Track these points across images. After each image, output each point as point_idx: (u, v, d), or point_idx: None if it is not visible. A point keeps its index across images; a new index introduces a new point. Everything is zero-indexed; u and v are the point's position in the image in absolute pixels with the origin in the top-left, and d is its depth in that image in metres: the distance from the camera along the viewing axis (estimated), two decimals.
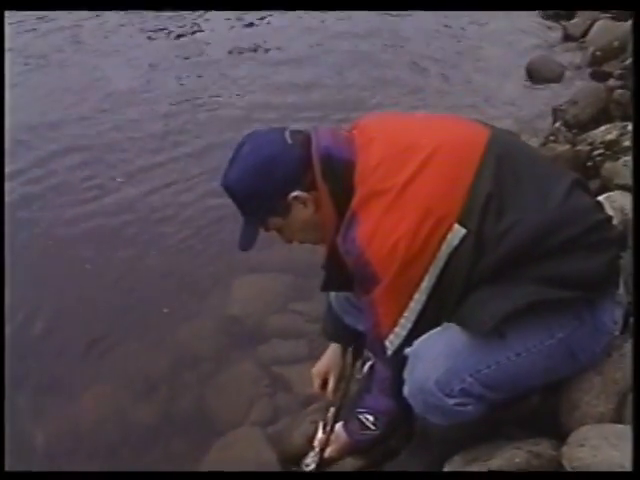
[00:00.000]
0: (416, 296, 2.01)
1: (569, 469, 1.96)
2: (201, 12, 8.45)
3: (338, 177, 2.10)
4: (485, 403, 2.07)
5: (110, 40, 7.99)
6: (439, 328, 2.06)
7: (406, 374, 2.10)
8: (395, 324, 2.07)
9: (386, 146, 2.11)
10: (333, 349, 2.83)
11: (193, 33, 8.09)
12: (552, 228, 1.96)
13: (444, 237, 1.95)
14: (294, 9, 8.01)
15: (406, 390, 2.10)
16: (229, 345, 3.76)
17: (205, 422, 3.36)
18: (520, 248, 1.94)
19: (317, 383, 2.81)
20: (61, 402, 3.49)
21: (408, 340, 2.08)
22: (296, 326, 3.73)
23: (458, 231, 1.94)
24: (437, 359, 2.02)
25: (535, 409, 2.43)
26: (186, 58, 7.39)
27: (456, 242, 1.94)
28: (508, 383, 2.07)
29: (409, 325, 2.06)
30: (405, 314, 2.04)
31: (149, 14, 8.50)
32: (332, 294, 2.67)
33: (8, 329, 3.84)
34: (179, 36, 7.99)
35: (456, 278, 1.98)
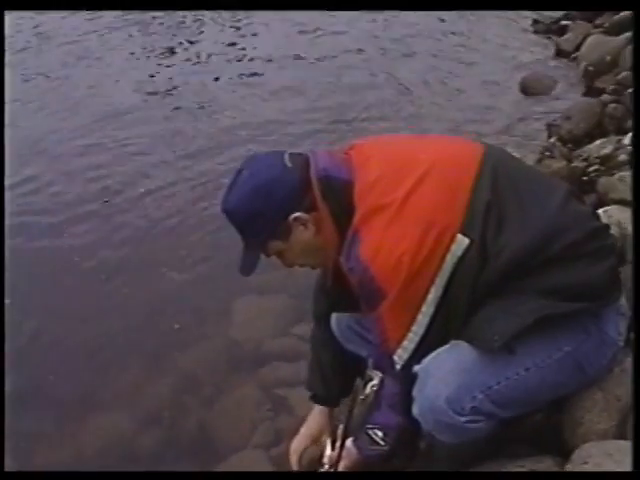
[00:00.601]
0: (423, 309, 2.00)
1: None
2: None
3: (338, 197, 2.11)
4: (495, 420, 2.07)
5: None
6: (448, 345, 2.06)
7: (415, 392, 2.09)
8: (403, 338, 2.06)
9: (383, 163, 2.12)
10: (319, 413, 2.77)
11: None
12: (553, 233, 1.98)
13: (448, 248, 1.95)
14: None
15: (416, 409, 2.09)
16: (230, 368, 3.75)
17: (208, 446, 3.35)
18: (523, 254, 1.95)
19: (295, 460, 2.74)
20: (63, 430, 3.48)
21: (416, 354, 2.07)
22: (297, 348, 3.72)
23: (461, 241, 1.95)
24: (447, 376, 2.02)
25: (538, 426, 2.42)
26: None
27: (460, 252, 1.95)
28: (518, 399, 2.07)
29: (417, 338, 2.05)
30: (413, 327, 2.04)
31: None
32: (333, 325, 2.65)
33: (10, 351, 3.84)
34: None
35: (462, 288, 1.99)
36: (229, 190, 2.20)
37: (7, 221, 4.78)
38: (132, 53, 8.16)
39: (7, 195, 5.14)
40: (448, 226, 1.96)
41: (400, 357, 2.10)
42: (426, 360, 2.07)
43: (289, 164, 2.15)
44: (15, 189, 5.49)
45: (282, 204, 2.13)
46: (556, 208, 2.03)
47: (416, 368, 2.09)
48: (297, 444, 2.74)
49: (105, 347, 3.96)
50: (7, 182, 5.41)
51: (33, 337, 4.01)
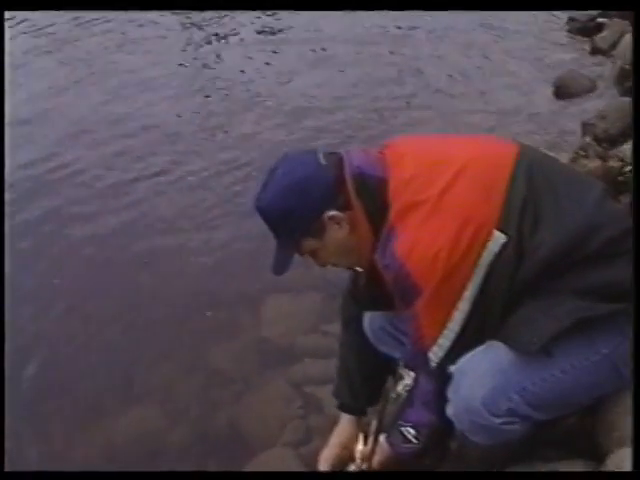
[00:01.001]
0: (459, 305, 1.99)
1: None
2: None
3: (372, 194, 2.10)
4: (530, 422, 2.06)
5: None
6: (484, 346, 2.05)
7: (450, 392, 2.09)
8: (439, 335, 2.05)
9: (418, 160, 2.12)
10: (347, 421, 2.77)
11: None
12: (590, 231, 1.96)
13: (484, 244, 1.94)
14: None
15: (450, 409, 2.09)
16: (260, 365, 3.77)
17: (237, 443, 3.36)
18: (560, 251, 1.94)
19: (333, 453, 2.73)
20: (94, 422, 3.51)
21: (452, 351, 2.06)
22: (328, 346, 3.69)
23: (498, 238, 1.94)
24: (483, 377, 2.01)
25: (571, 429, 2.40)
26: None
27: (497, 249, 1.94)
28: (553, 400, 2.05)
29: (453, 336, 2.04)
30: (449, 324, 2.02)
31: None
32: (366, 326, 2.64)
33: (43, 349, 3.90)
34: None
35: (499, 285, 1.97)
36: (263, 188, 2.19)
37: (43, 204, 4.92)
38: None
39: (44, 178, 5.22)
40: (485, 222, 1.95)
41: (435, 354, 2.09)
42: (462, 360, 2.06)
43: (323, 162, 2.15)
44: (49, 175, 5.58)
45: (317, 202, 2.12)
46: (593, 206, 2.02)
47: (451, 368, 2.08)
48: (328, 453, 2.73)
49: (135, 341, 3.99)
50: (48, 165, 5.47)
51: (65, 330, 4.05)
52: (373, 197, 2.10)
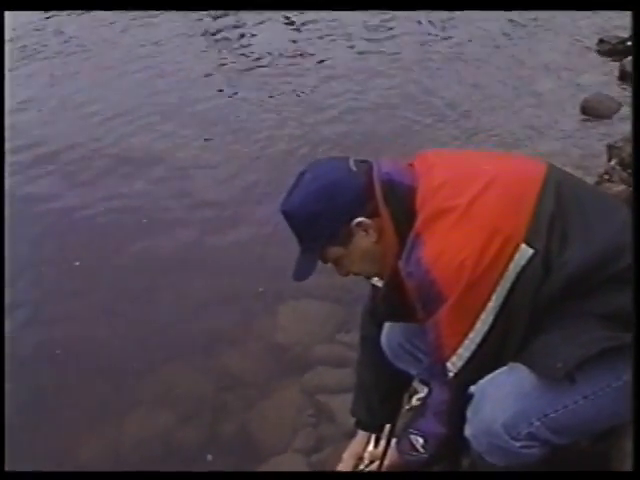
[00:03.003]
0: (482, 317, 1.96)
1: None
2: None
3: (400, 202, 2.08)
4: (549, 446, 2.04)
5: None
6: (506, 367, 2.02)
7: (470, 413, 2.06)
8: (459, 345, 2.01)
9: (448, 170, 2.10)
10: (362, 437, 2.73)
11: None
12: (618, 251, 1.94)
13: (511, 257, 1.91)
14: None
15: (469, 429, 2.06)
16: (274, 371, 3.76)
17: (248, 447, 3.35)
18: (587, 269, 1.92)
19: (350, 465, 2.71)
20: (106, 421, 3.52)
21: (471, 362, 2.03)
22: (342, 355, 3.71)
23: (525, 251, 1.91)
24: (505, 400, 1.98)
25: (584, 454, 2.38)
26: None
27: (523, 262, 1.92)
28: (574, 427, 2.03)
29: (473, 347, 2.00)
30: (470, 335, 1.99)
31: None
32: (384, 342, 2.60)
33: (54, 347, 3.92)
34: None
35: (523, 299, 1.95)
36: (291, 192, 2.16)
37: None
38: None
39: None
40: (512, 235, 1.93)
41: (454, 364, 2.05)
42: (483, 381, 2.04)
43: (354, 168, 2.13)
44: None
45: (346, 207, 2.10)
46: (621, 226, 2.00)
47: (472, 388, 2.06)
48: (344, 467, 2.70)
49: (149, 342, 4.01)
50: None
51: (78, 334, 4.06)
52: (401, 205, 2.08)
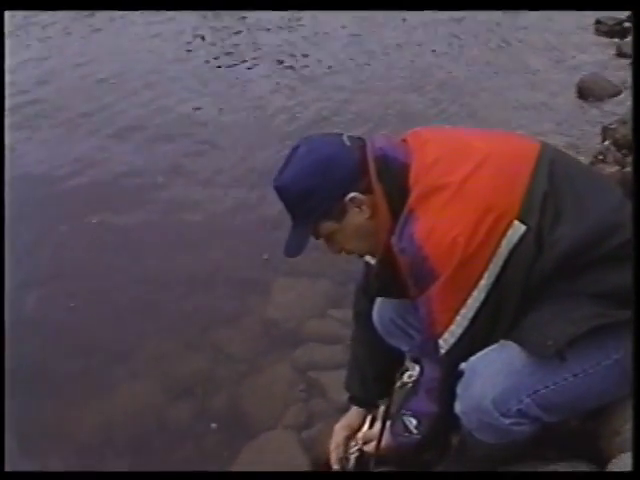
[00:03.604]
0: (474, 294, 1.96)
1: None
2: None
3: (393, 178, 2.07)
4: (539, 424, 2.05)
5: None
6: (497, 345, 2.03)
7: (460, 390, 2.07)
8: (451, 321, 2.01)
9: (441, 147, 2.10)
10: (356, 412, 2.74)
11: None
12: (610, 229, 1.95)
13: (504, 233, 1.92)
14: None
15: (459, 406, 2.07)
16: (266, 347, 3.76)
17: (238, 423, 3.35)
18: (579, 246, 1.92)
19: (336, 457, 2.70)
20: (96, 395, 3.51)
21: (463, 339, 2.03)
22: (334, 332, 3.72)
23: (518, 228, 1.92)
24: (495, 377, 1.99)
25: (573, 432, 2.39)
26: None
27: (516, 239, 1.92)
28: (564, 404, 2.04)
29: (465, 323, 2.00)
30: (462, 311, 1.99)
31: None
32: (375, 318, 2.61)
33: (46, 320, 3.92)
34: None
35: (515, 277, 1.95)
36: (284, 166, 2.15)
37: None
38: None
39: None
40: (506, 212, 1.92)
41: (446, 341, 2.05)
42: (474, 358, 2.05)
43: (348, 143, 2.12)
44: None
45: (340, 182, 2.09)
46: (613, 205, 2.00)
47: (462, 365, 2.06)
48: (336, 438, 2.71)
49: (141, 316, 4.01)
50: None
51: (68, 308, 4.04)
52: (394, 181, 2.07)
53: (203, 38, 8.06)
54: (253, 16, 8.46)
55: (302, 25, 8.37)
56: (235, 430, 3.30)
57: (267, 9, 8.27)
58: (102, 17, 8.38)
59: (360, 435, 2.64)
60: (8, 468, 2.50)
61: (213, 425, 3.33)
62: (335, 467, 2.67)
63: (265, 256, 4.27)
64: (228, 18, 8.53)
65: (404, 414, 2.32)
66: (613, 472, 1.87)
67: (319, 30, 8.21)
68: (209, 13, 8.72)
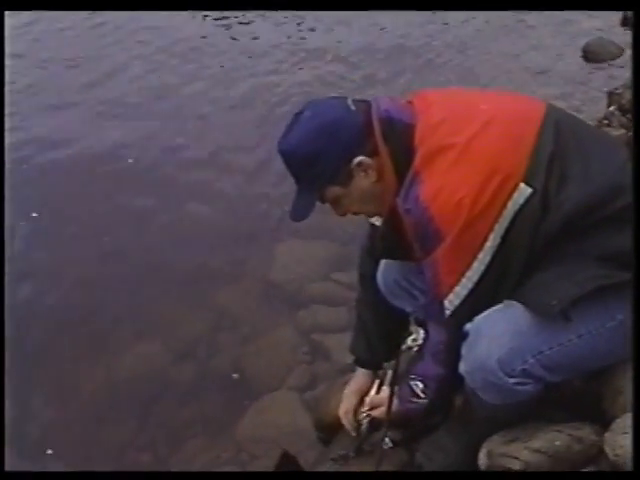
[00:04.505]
0: (480, 256, 1.96)
1: (611, 456, 1.94)
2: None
3: (398, 139, 2.06)
4: (543, 384, 2.05)
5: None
6: (501, 305, 2.03)
7: (465, 350, 2.07)
8: (456, 283, 2.02)
9: (446, 108, 2.08)
10: (362, 374, 2.73)
11: None
12: (616, 190, 1.94)
13: (510, 195, 1.91)
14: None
15: (464, 366, 2.08)
16: (269, 310, 3.78)
17: (242, 384, 3.37)
18: (584, 207, 1.92)
19: (348, 421, 2.68)
20: (101, 357, 3.53)
21: (468, 301, 2.03)
22: (337, 294, 3.73)
23: (524, 190, 1.91)
24: (500, 338, 1.99)
25: (577, 393, 2.40)
26: None
27: (522, 201, 1.91)
28: (569, 365, 2.04)
29: (470, 285, 2.01)
30: (467, 273, 1.99)
31: None
32: (380, 280, 2.60)
33: (52, 286, 3.93)
34: None
35: (521, 239, 1.95)
36: (289, 130, 2.12)
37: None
38: None
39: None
40: (511, 174, 1.92)
41: (451, 302, 2.06)
42: (478, 319, 2.05)
43: (352, 107, 2.10)
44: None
45: (345, 146, 2.07)
46: (619, 167, 1.99)
47: (467, 326, 2.06)
48: (347, 404, 2.69)
49: (144, 279, 4.03)
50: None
51: (72, 274, 4.05)
52: (400, 142, 2.05)
53: None
54: None
55: None
56: (238, 392, 3.32)
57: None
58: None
59: (368, 400, 2.63)
60: (12, 434, 2.54)
61: (235, 375, 3.38)
62: (352, 433, 2.68)
63: (269, 219, 4.26)
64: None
65: (411, 379, 2.32)
66: (613, 472, 1.87)
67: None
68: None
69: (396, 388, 2.46)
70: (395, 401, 2.44)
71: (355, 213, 2.27)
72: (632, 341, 1.89)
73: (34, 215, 4.44)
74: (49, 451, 3.05)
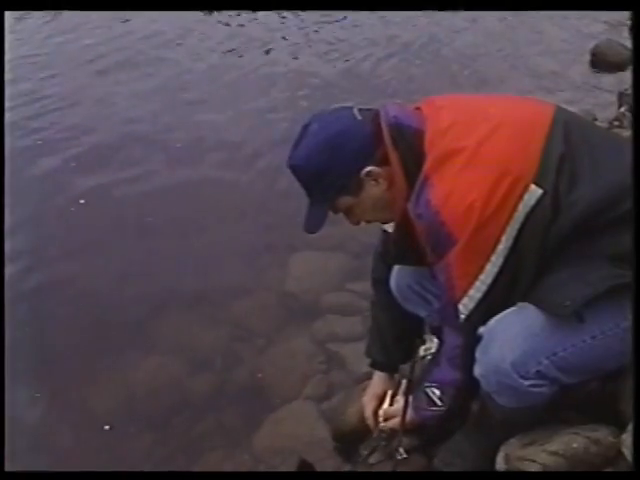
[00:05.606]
0: (492, 258, 1.96)
1: (629, 458, 1.94)
2: None
3: (408, 145, 2.06)
4: (558, 385, 2.05)
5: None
6: (515, 308, 2.03)
7: (479, 353, 2.07)
8: (470, 286, 2.02)
9: (455, 113, 2.09)
10: (379, 378, 2.75)
11: None
12: (627, 191, 1.94)
13: (520, 197, 1.91)
14: None
15: (478, 369, 2.08)
16: (285, 320, 3.78)
17: (259, 395, 3.38)
18: (595, 208, 1.92)
19: (374, 423, 2.69)
20: (118, 369, 3.54)
21: (482, 304, 2.03)
22: (352, 304, 3.74)
23: (534, 191, 1.91)
24: (514, 340, 1.99)
25: (593, 395, 2.39)
26: None
27: (532, 202, 1.91)
28: (583, 366, 2.04)
29: (484, 288, 2.01)
30: (481, 276, 1.99)
31: None
32: (393, 285, 2.61)
33: (71, 295, 3.94)
34: None
35: (533, 240, 1.95)
36: (297, 144, 2.14)
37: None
38: None
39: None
40: (521, 176, 1.92)
41: (465, 306, 2.06)
42: (492, 322, 2.05)
43: (359, 117, 2.11)
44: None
45: (355, 157, 2.08)
46: (629, 166, 1.99)
47: (481, 329, 2.06)
48: (369, 409, 2.70)
49: (162, 291, 4.02)
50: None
51: (90, 285, 4.07)
52: (409, 148, 2.06)
53: None
54: None
55: None
56: (256, 403, 3.32)
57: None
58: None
59: (381, 412, 2.63)
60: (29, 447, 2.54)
61: (251, 386, 3.40)
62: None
63: (283, 230, 4.27)
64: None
65: (427, 386, 2.32)
66: (613, 472, 1.87)
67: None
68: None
69: (410, 397, 2.46)
70: (410, 411, 2.45)
71: (368, 221, 2.28)
72: (632, 341, 1.89)
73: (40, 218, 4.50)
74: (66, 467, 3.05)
